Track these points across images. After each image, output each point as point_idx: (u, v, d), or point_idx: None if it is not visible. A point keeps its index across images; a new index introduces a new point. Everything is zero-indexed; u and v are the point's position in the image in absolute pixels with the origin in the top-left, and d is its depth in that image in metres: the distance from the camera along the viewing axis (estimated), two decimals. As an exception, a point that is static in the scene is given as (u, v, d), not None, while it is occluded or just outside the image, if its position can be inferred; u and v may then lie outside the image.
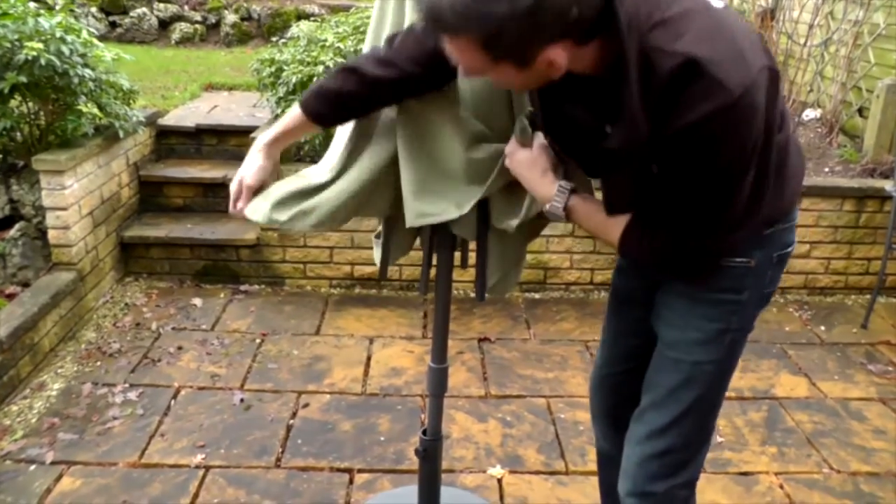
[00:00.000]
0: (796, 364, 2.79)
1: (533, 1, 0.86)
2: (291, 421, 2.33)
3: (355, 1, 5.99)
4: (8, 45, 2.63)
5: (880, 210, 3.28)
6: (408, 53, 1.21)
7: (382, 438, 2.27)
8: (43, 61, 2.60)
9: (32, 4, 2.83)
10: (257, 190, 1.35)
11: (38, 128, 2.95)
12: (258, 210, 1.33)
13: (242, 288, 3.25)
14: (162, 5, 6.57)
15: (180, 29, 6.47)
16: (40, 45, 2.61)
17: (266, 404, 2.42)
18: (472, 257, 1.48)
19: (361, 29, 3.16)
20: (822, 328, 3.08)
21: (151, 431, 2.25)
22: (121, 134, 3.05)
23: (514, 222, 1.31)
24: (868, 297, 3.21)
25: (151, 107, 3.80)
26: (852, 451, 2.28)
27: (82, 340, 2.79)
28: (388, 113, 1.31)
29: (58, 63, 2.66)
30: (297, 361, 2.69)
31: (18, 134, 2.93)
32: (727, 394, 2.58)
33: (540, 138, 1.23)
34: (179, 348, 2.74)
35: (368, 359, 2.72)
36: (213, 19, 6.65)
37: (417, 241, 1.52)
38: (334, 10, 6.09)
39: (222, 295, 3.19)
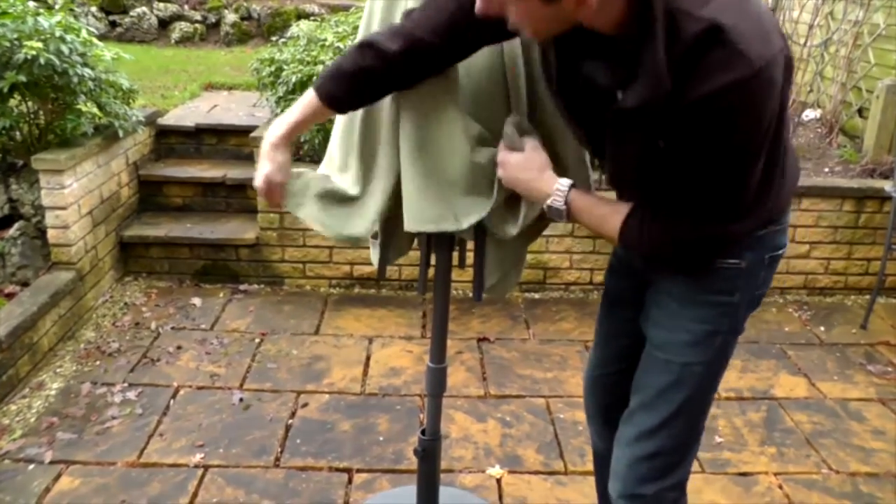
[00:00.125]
0: (796, 364, 2.79)
1: None
2: (290, 421, 2.33)
3: (355, 0, 5.99)
4: (7, 44, 2.63)
5: (880, 210, 3.28)
6: (428, 23, 1.15)
7: (381, 438, 2.26)
8: (42, 60, 2.60)
9: (32, 3, 2.83)
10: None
11: (38, 127, 2.95)
12: (314, 218, 1.33)
13: (242, 287, 3.25)
14: (162, 5, 6.57)
15: (180, 28, 6.46)
16: (40, 45, 2.61)
17: (265, 404, 2.42)
18: (471, 257, 1.48)
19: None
20: (822, 328, 3.08)
21: (150, 431, 2.25)
22: (120, 133, 3.05)
23: (513, 230, 1.30)
24: (867, 297, 3.21)
25: (151, 106, 3.80)
26: (851, 451, 2.28)
27: (81, 340, 2.79)
28: (391, 116, 1.29)
29: (57, 62, 2.66)
30: (297, 361, 2.69)
31: (18, 133, 2.92)
32: (727, 394, 2.60)
33: (531, 141, 1.22)
34: (179, 348, 2.74)
35: (367, 358, 2.72)
36: (212, 19, 6.65)
37: (415, 241, 1.52)
38: (334, 9, 6.09)
39: (221, 294, 3.19)
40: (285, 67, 3.17)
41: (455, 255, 1.53)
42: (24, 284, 2.79)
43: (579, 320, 3.06)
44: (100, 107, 2.95)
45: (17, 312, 2.49)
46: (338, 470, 2.12)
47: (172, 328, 2.89)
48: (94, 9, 6.41)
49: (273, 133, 1.28)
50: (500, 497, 2.04)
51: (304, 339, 2.85)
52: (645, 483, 1.28)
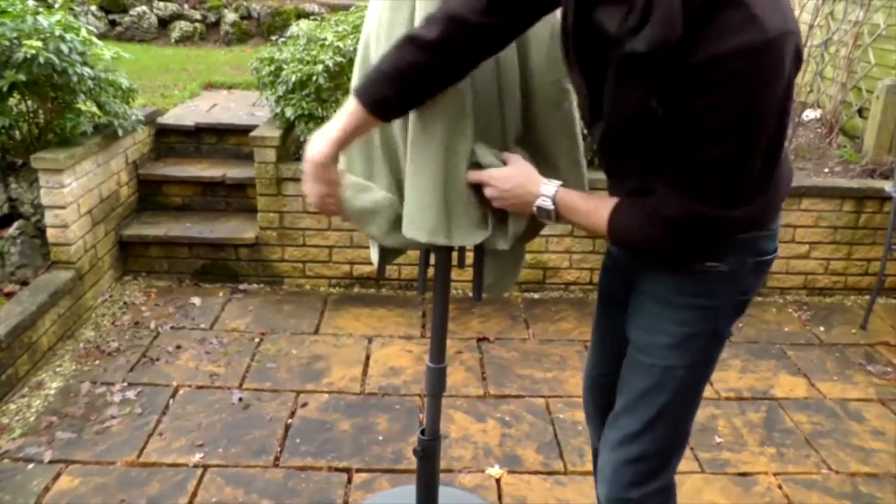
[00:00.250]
0: (795, 364, 2.79)
1: None
2: (290, 420, 2.33)
3: (355, 0, 5.98)
4: (7, 43, 2.62)
5: (880, 211, 3.28)
6: (468, 3, 1.08)
7: (381, 438, 2.26)
8: (42, 59, 2.60)
9: (31, 2, 2.83)
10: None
11: (37, 126, 2.95)
12: (384, 235, 1.32)
13: (241, 287, 3.25)
14: (162, 4, 6.56)
15: (180, 27, 6.46)
16: (39, 44, 2.61)
17: (265, 403, 2.42)
18: (470, 257, 1.48)
19: (361, 28, 3.15)
20: (822, 329, 3.08)
21: (150, 430, 2.25)
22: (120, 132, 3.05)
23: (505, 245, 1.30)
24: (867, 297, 3.21)
25: (151, 105, 3.80)
26: (851, 451, 2.28)
27: (81, 339, 2.79)
28: (403, 121, 1.27)
29: (57, 61, 2.66)
30: (296, 361, 2.69)
31: (17, 132, 2.92)
32: (726, 394, 2.61)
33: (512, 156, 1.23)
34: (178, 347, 2.74)
35: (367, 358, 2.72)
36: (212, 18, 6.64)
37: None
38: (334, 8, 6.08)
39: (221, 294, 3.19)
40: (285, 67, 3.16)
41: (454, 254, 1.53)
42: (24, 283, 2.79)
43: (579, 320, 3.06)
44: (99, 106, 2.95)
45: (16, 311, 2.48)
46: (337, 470, 2.12)
47: (172, 327, 2.88)
48: (93, 8, 6.41)
49: (318, 152, 1.19)
50: (500, 497, 2.04)
51: (303, 338, 2.85)
52: (630, 488, 1.28)
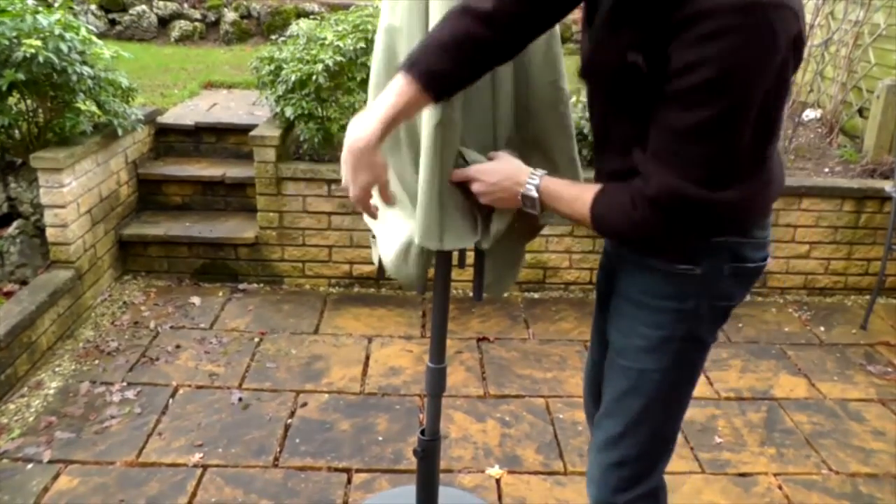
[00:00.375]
0: (795, 364, 2.78)
1: None
2: (289, 420, 2.33)
3: (355, -1, 5.97)
4: (6, 42, 2.62)
5: (880, 211, 3.28)
6: None
7: (380, 438, 2.26)
8: (41, 59, 2.60)
9: (31, 1, 2.82)
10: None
11: (37, 125, 2.95)
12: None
13: (241, 287, 3.25)
14: (161, 3, 6.55)
15: (180, 27, 6.45)
16: (38, 43, 2.60)
17: (264, 403, 2.41)
18: (471, 257, 1.48)
19: (361, 27, 3.15)
20: (822, 329, 3.08)
21: (149, 430, 2.24)
22: (119, 132, 3.04)
23: (485, 244, 1.30)
24: (867, 297, 3.21)
25: (150, 105, 3.79)
26: (851, 452, 2.27)
27: (80, 339, 2.79)
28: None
29: (56, 60, 2.65)
30: (296, 360, 2.68)
31: (17, 131, 2.92)
32: (726, 394, 2.60)
33: (499, 153, 1.23)
34: (178, 347, 2.74)
35: (367, 358, 2.72)
36: (212, 17, 6.63)
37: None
38: (334, 8, 6.07)
39: (221, 293, 3.19)
40: (285, 66, 3.16)
41: (454, 254, 1.53)
42: (23, 283, 2.79)
43: (579, 320, 3.05)
44: (99, 105, 2.94)
45: (15, 311, 2.48)
46: (337, 470, 2.12)
47: (171, 327, 2.88)
48: (93, 7, 6.40)
49: (364, 135, 1.08)
50: (500, 497, 2.04)
51: (303, 338, 2.85)
52: (617, 493, 1.28)
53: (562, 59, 1.30)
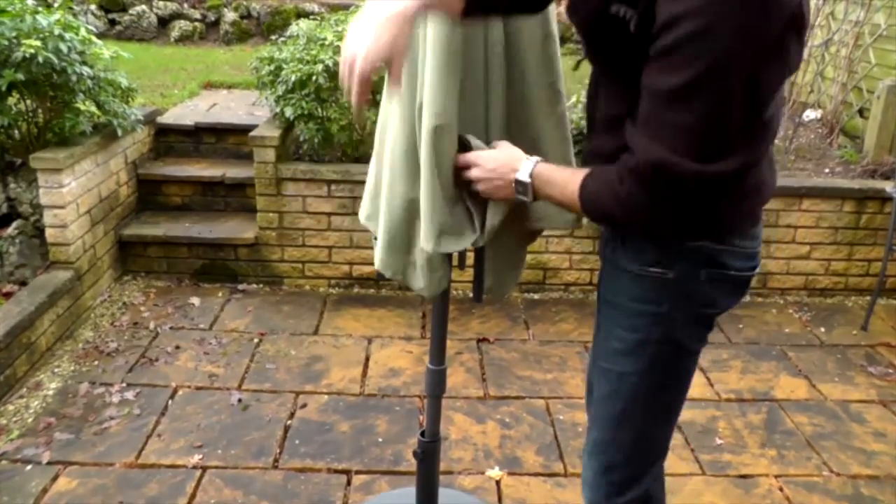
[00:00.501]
0: (796, 366, 2.78)
1: None
2: (289, 421, 2.32)
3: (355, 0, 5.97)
4: (6, 42, 2.61)
5: (881, 211, 3.27)
6: None
7: (380, 439, 2.25)
8: (41, 59, 2.59)
9: (30, 2, 2.82)
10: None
11: (36, 126, 2.94)
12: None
13: (241, 287, 3.24)
14: (161, 3, 6.55)
15: (179, 27, 6.45)
16: (38, 43, 2.60)
17: (264, 404, 2.41)
18: (471, 257, 1.47)
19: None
20: (822, 330, 3.07)
21: (148, 431, 2.24)
22: (119, 132, 3.04)
23: (480, 242, 1.30)
24: (868, 298, 3.20)
25: (150, 105, 3.79)
26: (852, 453, 2.27)
27: (80, 339, 2.78)
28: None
29: (56, 61, 2.65)
30: (295, 361, 2.68)
31: (16, 132, 2.91)
32: (727, 396, 2.60)
33: (501, 142, 1.22)
34: (177, 348, 2.73)
35: (367, 359, 2.71)
36: (212, 17, 6.63)
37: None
38: (334, 8, 6.06)
39: (220, 294, 3.18)
40: (285, 66, 3.16)
41: (455, 255, 1.52)
42: (22, 283, 2.78)
43: (579, 321, 3.05)
44: (98, 105, 2.94)
45: (14, 312, 2.48)
46: (336, 471, 2.11)
47: (171, 328, 2.87)
48: (93, 7, 6.39)
49: (403, 3, 0.99)
50: (500, 499, 2.03)
51: (302, 339, 2.84)
52: (609, 497, 1.27)
53: (558, 61, 1.29)
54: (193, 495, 1.99)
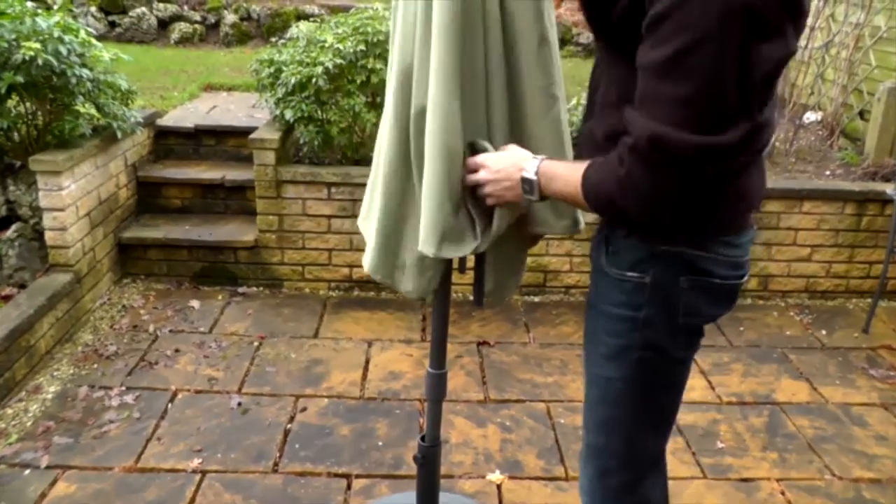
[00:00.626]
0: (797, 368, 2.77)
1: None
2: (289, 425, 2.32)
3: (355, 1, 5.97)
4: (5, 44, 2.61)
5: (881, 213, 3.27)
6: None
7: (380, 443, 2.25)
8: (40, 61, 2.59)
9: (30, 4, 2.82)
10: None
11: (36, 128, 2.94)
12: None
13: (241, 290, 3.23)
14: (161, 5, 6.55)
15: (179, 29, 6.45)
16: (38, 45, 2.60)
17: (264, 408, 2.40)
18: (471, 261, 1.47)
19: (361, 30, 3.15)
20: (824, 332, 3.06)
21: (148, 435, 2.23)
22: (119, 134, 3.04)
23: (482, 247, 1.29)
24: (869, 300, 3.20)
25: (150, 107, 3.79)
26: (854, 457, 2.26)
27: (79, 343, 2.77)
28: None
29: (55, 63, 2.64)
30: (295, 365, 2.67)
31: (16, 134, 2.91)
32: (728, 399, 2.59)
33: (510, 146, 1.22)
34: (177, 351, 2.72)
35: (367, 362, 2.71)
36: (212, 19, 6.63)
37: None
38: (334, 10, 6.07)
39: (220, 297, 3.17)
40: (284, 69, 3.15)
41: (455, 259, 1.51)
42: (22, 286, 2.78)
43: (580, 324, 3.02)
44: (98, 108, 2.94)
45: (13, 315, 2.47)
46: (336, 475, 2.10)
47: (171, 331, 2.87)
48: (93, 9, 6.40)
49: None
50: (501, 503, 2.02)
51: (302, 342, 2.83)
52: (606, 503, 1.27)
53: (555, 64, 1.28)
54: (193, 500, 1.98)
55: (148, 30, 6.44)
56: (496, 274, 1.46)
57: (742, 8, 0.87)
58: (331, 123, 3.16)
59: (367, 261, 1.42)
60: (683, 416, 2.41)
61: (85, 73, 2.79)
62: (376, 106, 3.14)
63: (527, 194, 1.14)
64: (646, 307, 1.12)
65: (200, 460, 2.13)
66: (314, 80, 3.02)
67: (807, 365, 2.80)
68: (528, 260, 3.04)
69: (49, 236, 2.80)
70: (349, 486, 2.06)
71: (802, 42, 4.02)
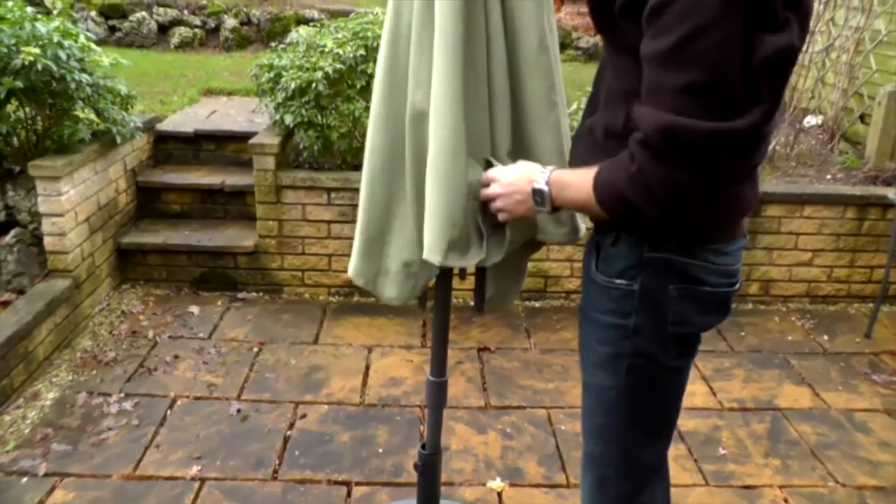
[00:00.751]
0: (799, 374, 2.76)
1: None
2: (289, 432, 2.30)
3: (355, 6, 5.98)
4: (5, 49, 2.61)
5: (883, 218, 3.26)
6: None
7: (381, 450, 2.23)
8: (40, 66, 2.58)
9: (30, 9, 2.81)
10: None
11: (35, 133, 2.93)
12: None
13: (240, 295, 3.22)
14: (161, 9, 6.56)
15: (180, 33, 6.45)
16: (37, 50, 2.59)
17: (263, 415, 2.39)
18: (472, 267, 1.46)
19: (361, 35, 3.14)
20: (825, 337, 3.05)
21: (146, 442, 2.22)
22: (118, 139, 3.03)
23: (495, 258, 1.29)
24: (871, 305, 3.19)
25: (150, 112, 3.78)
26: (858, 464, 2.25)
27: (78, 349, 2.76)
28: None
29: (55, 68, 2.64)
30: (295, 371, 2.66)
31: (15, 139, 2.90)
32: (729, 405, 2.57)
33: (520, 161, 1.21)
34: (176, 357, 2.71)
35: (367, 368, 2.69)
36: (212, 24, 6.64)
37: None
38: (334, 14, 6.08)
39: (220, 302, 3.16)
40: (284, 73, 3.15)
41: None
42: (20, 292, 2.76)
43: (581, 329, 3.03)
44: (97, 113, 2.93)
45: (12, 321, 2.46)
46: (336, 483, 2.09)
47: (170, 337, 2.86)
48: (93, 13, 6.40)
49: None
50: (502, 511, 2.01)
51: (302, 348, 2.82)
52: None
53: (553, 70, 1.27)
54: (192, 508, 1.97)
55: (148, 34, 6.45)
56: (497, 281, 1.46)
57: (751, 2, 0.87)
58: (331, 128, 3.15)
59: (350, 265, 1.41)
60: (685, 423, 2.40)
61: (84, 77, 2.78)
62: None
63: (538, 206, 1.13)
64: (635, 315, 1.11)
65: (199, 468, 2.12)
66: (314, 84, 3.01)
67: (809, 370, 2.78)
68: (529, 265, 3.02)
69: (48, 242, 2.79)
70: (349, 494, 2.05)
71: (803, 46, 4.03)
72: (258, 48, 6.34)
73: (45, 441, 2.21)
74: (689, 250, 1.08)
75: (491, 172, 1.21)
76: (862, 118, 4.24)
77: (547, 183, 1.10)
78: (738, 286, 1.15)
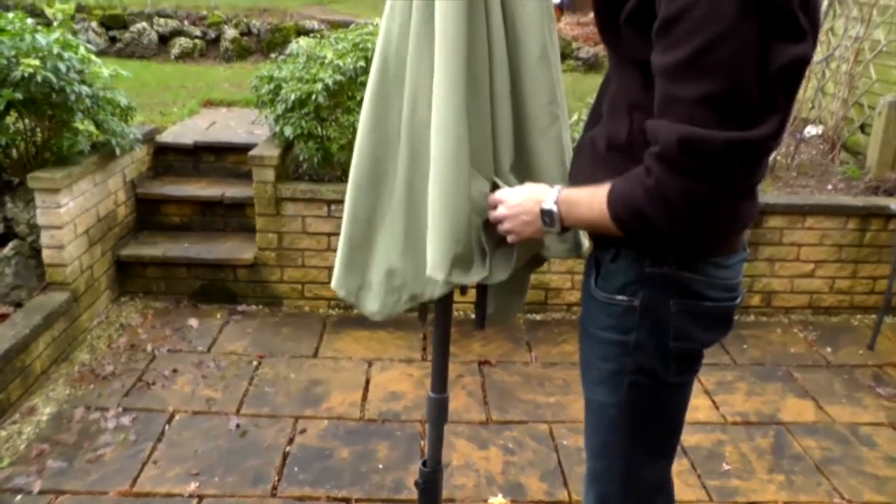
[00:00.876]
0: (802, 387, 2.74)
1: None
2: (288, 448, 2.28)
3: (355, 17, 6.00)
4: (4, 61, 2.60)
5: (885, 228, 3.25)
6: None
7: (381, 466, 2.21)
8: (39, 78, 2.58)
9: (30, 20, 2.81)
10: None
11: (34, 145, 2.92)
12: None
13: (240, 308, 3.20)
14: (162, 20, 6.58)
15: (180, 44, 6.47)
16: (37, 62, 2.59)
17: (262, 430, 2.36)
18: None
19: (361, 46, 3.14)
20: (829, 349, 3.03)
21: (144, 458, 2.19)
22: (117, 151, 3.02)
23: (501, 276, 1.27)
24: (874, 316, 3.17)
25: (149, 123, 3.78)
26: (864, 479, 2.22)
27: (75, 362, 2.74)
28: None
29: (54, 80, 2.64)
30: (295, 385, 2.63)
31: (14, 151, 2.90)
32: (732, 419, 2.54)
33: (527, 183, 1.20)
34: (174, 371, 2.69)
35: (367, 382, 2.67)
36: (212, 34, 6.66)
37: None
38: (334, 25, 6.09)
39: (219, 315, 3.14)
40: (284, 85, 3.14)
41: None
42: (18, 305, 2.75)
43: (582, 341, 3.01)
44: (97, 124, 2.92)
45: (9, 334, 2.44)
46: (336, 499, 2.06)
47: (168, 350, 2.83)
48: (94, 24, 6.42)
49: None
50: (503, 528, 1.98)
51: (302, 361, 2.80)
52: None
53: (554, 81, 1.26)
54: (189, 526, 1.94)
55: (148, 45, 6.46)
56: (499, 296, 1.44)
57: (756, 3, 0.87)
58: (330, 140, 3.15)
59: (333, 277, 1.38)
60: (688, 437, 2.37)
61: (84, 89, 2.78)
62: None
63: (547, 227, 1.11)
64: (636, 331, 1.11)
65: (198, 484, 2.09)
66: (314, 96, 3.01)
67: (812, 383, 2.76)
68: (530, 277, 2.98)
69: (46, 254, 2.77)
70: (349, 511, 2.02)
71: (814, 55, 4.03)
72: (258, 59, 6.35)
73: (41, 457, 2.18)
74: (689, 265, 1.08)
75: (498, 194, 1.20)
76: (862, 128, 4.24)
77: (556, 202, 1.09)
78: (739, 300, 1.14)
